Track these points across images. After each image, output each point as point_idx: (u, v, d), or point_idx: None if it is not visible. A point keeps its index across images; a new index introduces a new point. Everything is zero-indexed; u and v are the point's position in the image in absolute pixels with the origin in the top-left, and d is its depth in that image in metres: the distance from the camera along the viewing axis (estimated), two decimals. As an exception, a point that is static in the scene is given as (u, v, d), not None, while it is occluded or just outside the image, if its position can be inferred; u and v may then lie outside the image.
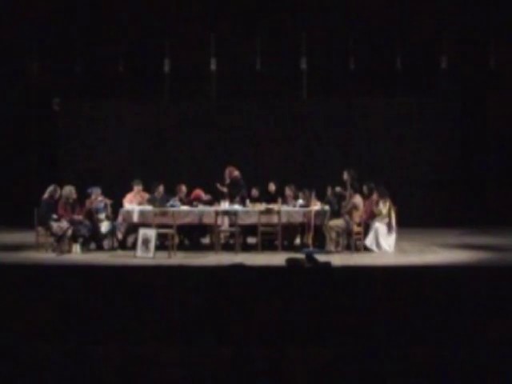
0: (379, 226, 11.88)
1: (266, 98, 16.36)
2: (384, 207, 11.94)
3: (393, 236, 11.97)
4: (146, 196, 12.65)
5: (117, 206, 12.52)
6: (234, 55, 16.09)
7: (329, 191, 12.35)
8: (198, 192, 12.86)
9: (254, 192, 12.93)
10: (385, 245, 11.88)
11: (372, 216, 12.05)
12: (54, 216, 11.73)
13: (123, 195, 12.62)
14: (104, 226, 12.14)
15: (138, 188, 12.64)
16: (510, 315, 5.82)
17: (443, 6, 15.61)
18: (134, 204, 12.43)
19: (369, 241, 11.88)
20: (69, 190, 11.92)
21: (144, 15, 16.00)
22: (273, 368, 4.85)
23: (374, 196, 12.08)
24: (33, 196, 13.36)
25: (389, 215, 11.96)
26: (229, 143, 16.05)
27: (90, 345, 5.28)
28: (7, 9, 15.86)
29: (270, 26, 15.97)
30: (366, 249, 12.00)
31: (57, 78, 16.33)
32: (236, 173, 12.88)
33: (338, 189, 12.34)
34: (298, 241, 12.51)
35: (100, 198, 12.26)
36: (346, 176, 12.09)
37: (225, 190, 12.72)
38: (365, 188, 12.13)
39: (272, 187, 13.22)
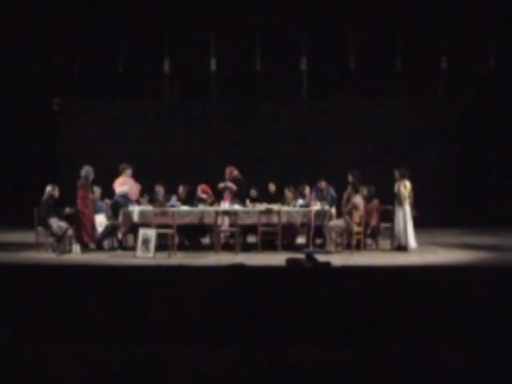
0: (408, 216, 11.87)
1: (266, 98, 16.35)
2: (405, 189, 11.91)
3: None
4: (138, 185, 12.58)
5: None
6: (234, 55, 16.11)
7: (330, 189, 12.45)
8: (204, 187, 12.82)
9: (253, 192, 12.91)
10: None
11: (378, 220, 12.11)
12: (54, 219, 11.69)
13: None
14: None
15: (130, 172, 12.54)
16: (510, 315, 5.82)
17: (443, 7, 15.64)
18: (126, 187, 12.33)
19: (412, 242, 11.88)
20: (87, 170, 11.90)
21: (144, 15, 16.02)
22: (273, 368, 4.85)
23: (397, 176, 12.01)
24: (33, 196, 13.34)
25: (409, 196, 11.97)
26: (229, 143, 16.04)
27: (90, 345, 5.28)
28: (7, 9, 15.87)
29: (269, 25, 16.00)
30: (366, 248, 12.04)
31: (57, 78, 16.35)
32: (236, 172, 12.87)
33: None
34: (301, 240, 12.47)
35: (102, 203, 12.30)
36: (350, 178, 12.07)
37: (234, 187, 12.64)
38: (365, 191, 12.08)
39: (272, 187, 13.21)
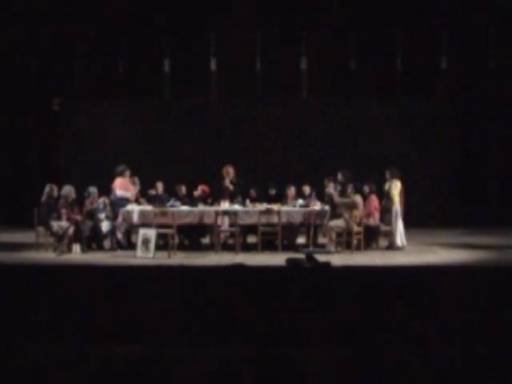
0: (398, 216, 11.96)
1: (266, 98, 16.35)
2: (395, 188, 12.02)
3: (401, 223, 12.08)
4: (133, 187, 12.61)
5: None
6: (234, 55, 16.10)
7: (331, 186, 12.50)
8: (204, 187, 12.83)
9: (252, 192, 12.90)
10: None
11: (378, 219, 12.19)
12: (55, 215, 11.73)
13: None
14: (104, 226, 12.14)
15: (128, 174, 12.62)
16: (509, 315, 5.82)
17: (443, 6, 15.62)
18: (127, 190, 12.40)
19: (399, 240, 11.96)
20: (68, 190, 11.93)
21: (144, 15, 16.00)
22: (273, 368, 4.85)
23: (388, 176, 12.19)
24: (33, 196, 13.34)
25: (399, 196, 12.10)
26: (229, 143, 16.04)
27: (90, 345, 5.28)
28: (7, 9, 15.86)
29: (269, 25, 15.98)
30: (367, 248, 12.05)
31: (57, 78, 16.34)
32: (231, 170, 12.83)
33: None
34: (301, 240, 12.46)
35: (100, 200, 12.27)
36: (340, 177, 12.25)
37: (231, 187, 12.63)
38: (366, 188, 12.19)
39: (272, 191, 13.16)
